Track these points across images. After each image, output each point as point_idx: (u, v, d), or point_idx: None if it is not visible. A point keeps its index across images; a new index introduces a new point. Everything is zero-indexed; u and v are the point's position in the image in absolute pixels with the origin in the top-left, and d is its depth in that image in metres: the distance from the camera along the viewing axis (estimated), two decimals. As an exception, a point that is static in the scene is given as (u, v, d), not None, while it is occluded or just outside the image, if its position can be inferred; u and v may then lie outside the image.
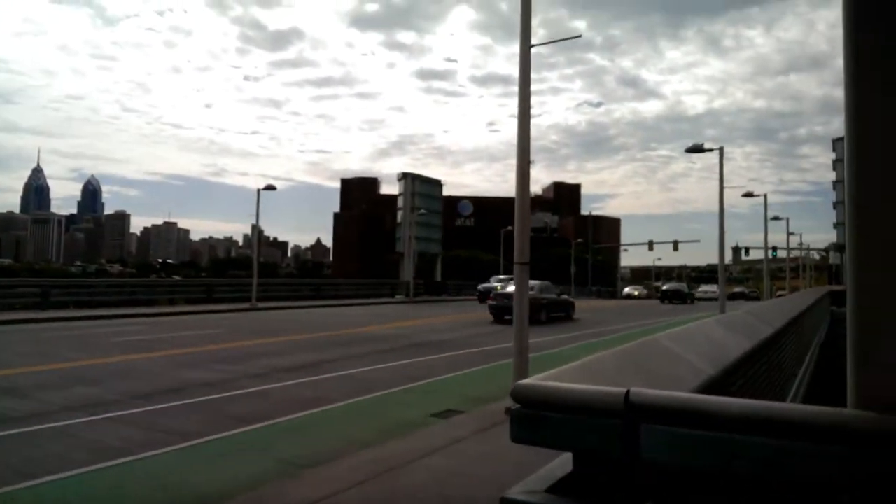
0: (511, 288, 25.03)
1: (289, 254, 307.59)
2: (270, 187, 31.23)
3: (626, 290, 64.21)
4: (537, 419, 1.39)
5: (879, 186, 1.18)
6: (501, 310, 22.01)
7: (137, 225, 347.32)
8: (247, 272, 42.31)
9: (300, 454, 5.95)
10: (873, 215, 1.18)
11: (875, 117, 1.17)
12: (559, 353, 13.62)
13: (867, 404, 1.16)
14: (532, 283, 27.86)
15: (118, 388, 9.15)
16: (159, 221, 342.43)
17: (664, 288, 49.83)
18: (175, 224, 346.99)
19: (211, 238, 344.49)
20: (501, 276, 33.66)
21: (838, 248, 53.60)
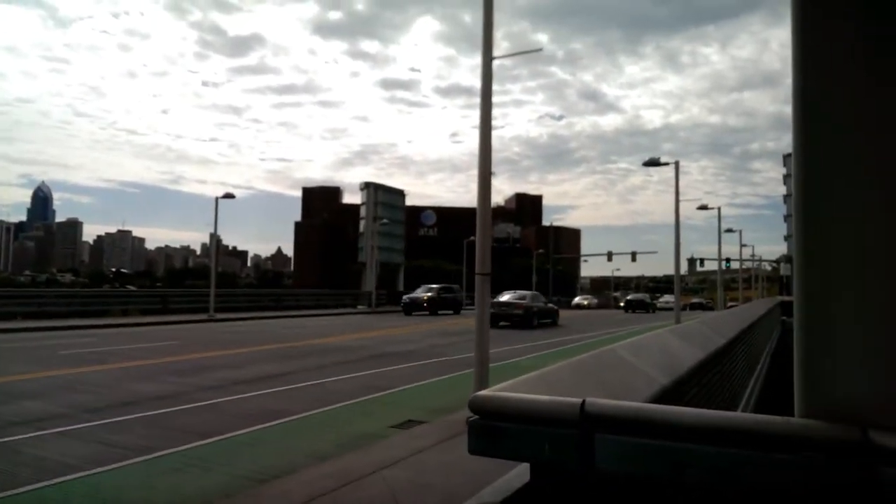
0: (506, 296, 28.79)
1: (248, 263, 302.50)
2: (229, 195, 30.75)
3: (576, 299, 65.81)
4: (494, 430, 1.38)
5: (823, 200, 1.22)
6: (496, 317, 23.02)
7: (90, 233, 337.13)
8: (204, 282, 41.46)
9: (256, 469, 5.82)
10: (818, 228, 1.22)
11: (820, 133, 1.21)
12: (517, 364, 13.69)
13: (813, 413, 1.19)
14: (525, 293, 30.74)
15: (67, 401, 8.82)
16: (113, 230, 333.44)
17: (629, 298, 54.70)
18: (129, 232, 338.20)
19: (167, 247, 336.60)
20: (432, 286, 36.99)
21: (789, 259, 55.43)
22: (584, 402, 1.29)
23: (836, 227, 1.19)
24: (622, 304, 54.53)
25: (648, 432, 1.22)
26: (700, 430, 1.18)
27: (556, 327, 27.28)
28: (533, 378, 1.81)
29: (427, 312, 34.38)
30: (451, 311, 35.97)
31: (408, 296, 36.85)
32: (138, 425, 7.63)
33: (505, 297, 28.19)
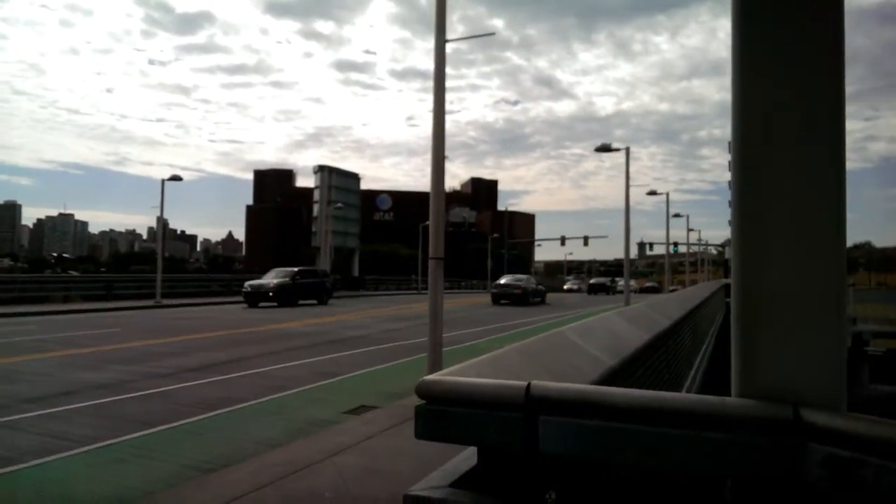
0: (505, 279, 33.41)
1: (198, 248, 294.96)
2: (176, 178, 29.89)
3: (567, 284, 68.05)
4: (442, 415, 1.38)
5: (757, 186, 1.25)
6: (497, 296, 31.94)
7: (30, 216, 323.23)
8: (151, 267, 40.19)
9: (204, 458, 5.71)
10: (753, 213, 1.25)
11: (756, 120, 1.24)
12: (475, 346, 13.80)
13: (749, 393, 1.22)
14: (521, 276, 35.24)
15: (6, 391, 8.45)
16: (54, 213, 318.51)
17: (591, 282, 61.45)
18: (72, 216, 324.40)
19: (112, 231, 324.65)
20: (286, 270, 30.59)
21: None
22: (529, 384, 1.30)
23: (768, 212, 1.23)
24: (579, 288, 62.29)
25: (590, 414, 1.24)
26: (638, 410, 1.20)
27: (545, 305, 32.83)
28: (481, 362, 1.81)
29: (276, 304, 27.20)
30: (314, 301, 29.64)
31: (250, 282, 28.61)
32: (81, 415, 7.38)
33: (504, 279, 34.66)
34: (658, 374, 4.29)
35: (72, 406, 7.76)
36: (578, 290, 64.30)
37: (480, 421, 1.33)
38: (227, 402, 8.00)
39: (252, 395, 8.45)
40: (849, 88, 1.20)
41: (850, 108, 1.21)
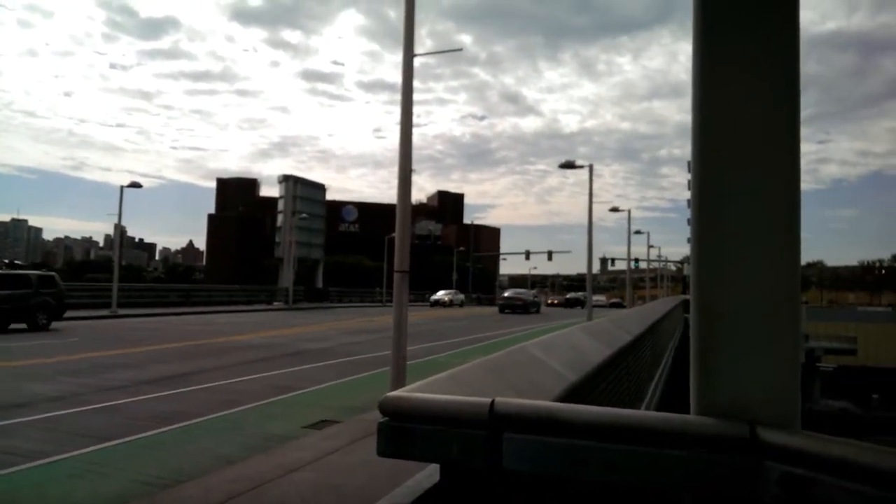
0: (509, 293, 42.81)
1: (157, 256, 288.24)
2: (136, 184, 29.18)
3: (549, 299, 70.52)
4: (404, 431, 1.37)
5: (715, 204, 1.28)
6: (503, 306, 40.39)
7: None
8: (107, 276, 39.05)
9: (157, 473, 5.54)
10: (710, 230, 1.28)
11: (713, 141, 1.27)
12: (437, 360, 13.75)
13: (707, 410, 1.24)
14: (521, 290, 46.39)
15: (-56, 405, 8.09)
16: (6, 218, 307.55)
17: (568, 297, 66.94)
18: (25, 221, 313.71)
19: (67, 238, 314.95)
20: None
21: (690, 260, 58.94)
22: (493, 401, 1.29)
23: (726, 230, 1.25)
24: (555, 301, 68.53)
25: (553, 431, 1.24)
26: (602, 427, 1.21)
27: (539, 315, 39.24)
28: (445, 378, 1.81)
29: None
30: (23, 325, 19.33)
31: None
32: (31, 429, 7.12)
33: (508, 293, 44.29)
34: (619, 388, 4.34)
35: (21, 419, 7.47)
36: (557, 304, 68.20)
37: (444, 438, 1.32)
38: (183, 416, 7.80)
39: (208, 409, 8.25)
40: (803, 112, 1.24)
41: (804, 132, 1.25)
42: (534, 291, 48.88)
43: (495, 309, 50.33)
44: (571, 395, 2.42)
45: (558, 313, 43.47)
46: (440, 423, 1.33)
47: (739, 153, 1.25)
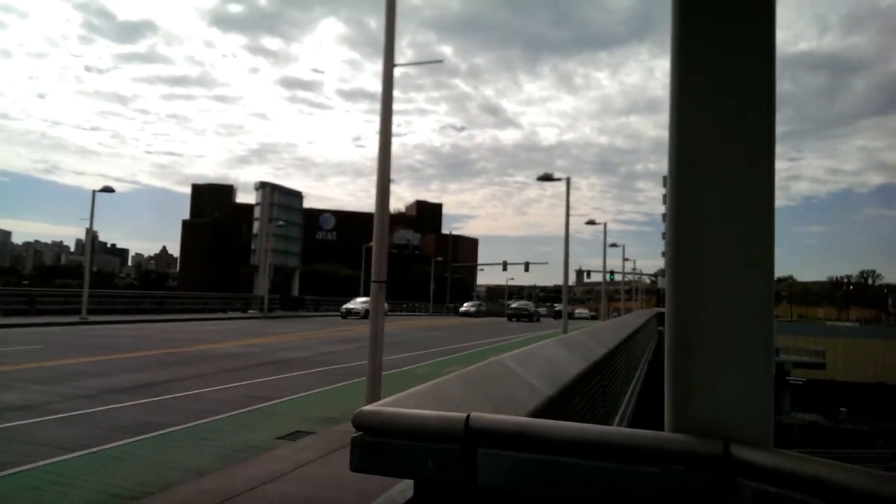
0: (516, 304, 49.97)
1: (129, 263, 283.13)
2: (108, 189, 28.72)
3: (515, 304, 72.12)
4: (378, 447, 1.35)
5: (693, 222, 1.29)
6: (511, 315, 47.20)
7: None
8: (77, 281, 38.30)
9: (125, 486, 5.41)
10: (687, 249, 1.29)
11: (691, 156, 1.29)
12: (413, 371, 13.69)
13: (681, 427, 1.25)
14: (526, 302, 54.70)
15: None
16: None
17: (556, 309, 68.55)
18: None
19: (37, 242, 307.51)
20: None
21: (665, 274, 59.77)
22: (468, 416, 1.29)
23: (701, 246, 1.27)
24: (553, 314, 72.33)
25: (529, 446, 1.24)
26: (576, 444, 1.21)
27: (539, 323, 45.28)
28: (420, 391, 1.80)
29: None
30: None
31: None
32: (-8, 439, 6.90)
33: (516, 304, 54.05)
34: (594, 401, 4.36)
35: (-18, 429, 7.24)
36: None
37: (419, 453, 1.32)
38: (154, 426, 7.64)
39: (181, 418, 8.10)
40: (777, 130, 1.26)
41: (777, 149, 1.28)
42: (530, 303, 55.86)
43: (485, 318, 53.47)
44: (547, 408, 2.43)
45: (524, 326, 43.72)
46: (414, 437, 1.32)
47: (715, 168, 1.27)
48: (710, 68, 1.28)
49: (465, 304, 59.21)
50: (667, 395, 1.31)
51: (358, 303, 39.35)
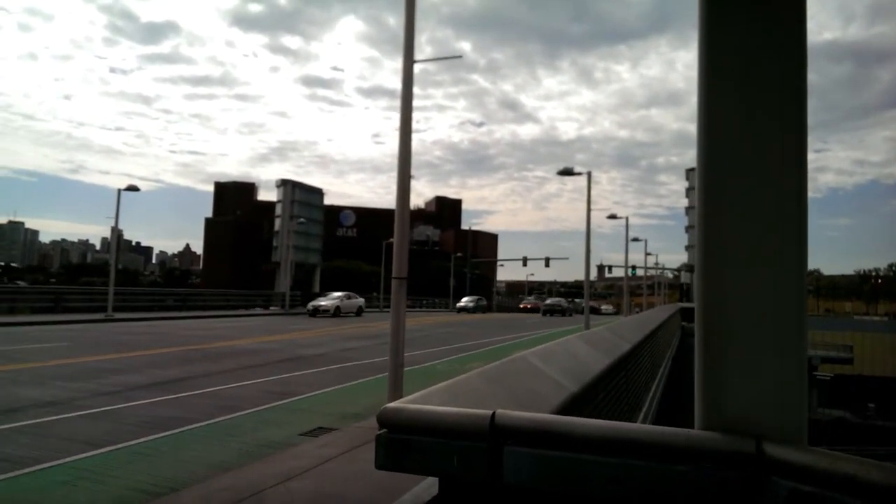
0: (550, 300, 52.10)
1: (153, 260, 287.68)
2: (133, 188, 29.17)
3: (549, 301, 71.89)
4: (403, 444, 1.34)
5: (722, 215, 1.26)
6: (546, 311, 51.25)
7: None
8: (103, 279, 38.99)
9: (151, 481, 5.49)
10: (716, 242, 1.26)
11: (721, 147, 1.25)
12: (433, 367, 13.70)
13: (712, 425, 1.22)
14: (559, 299, 57.86)
15: (-63, 410, 8.03)
16: (3, 221, 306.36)
17: (548, 302, 72.00)
18: (22, 224, 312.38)
19: (64, 241, 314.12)
20: None
21: (689, 268, 58.85)
22: (493, 413, 1.27)
23: (732, 241, 1.24)
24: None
25: (556, 444, 1.22)
26: (604, 441, 1.19)
27: (571, 317, 47.35)
28: (444, 388, 1.78)
29: None
30: None
31: None
32: (25, 435, 7.05)
33: (550, 301, 58.72)
34: (618, 397, 4.32)
35: (13, 425, 7.40)
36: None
37: (444, 451, 1.30)
38: (178, 422, 7.75)
39: (203, 415, 8.20)
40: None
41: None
42: (562, 300, 60.99)
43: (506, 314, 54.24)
44: (571, 405, 2.40)
45: (544, 323, 43.32)
46: (440, 435, 1.31)
47: (745, 162, 1.23)
48: (739, 57, 1.24)
49: (464, 300, 57.57)
50: (697, 392, 1.28)
51: (330, 299, 36.92)
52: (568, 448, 1.20)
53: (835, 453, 1.06)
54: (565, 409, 2.29)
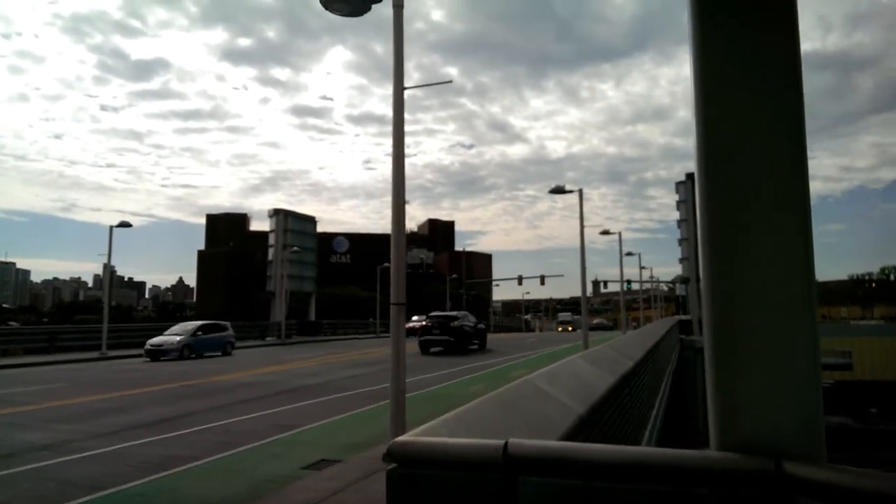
0: (562, 316, 55.31)
1: (147, 295, 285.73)
2: (125, 224, 29.10)
3: (561, 317, 75.17)
4: (415, 478, 1.32)
5: (726, 230, 1.25)
6: (560, 324, 67.48)
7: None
8: (97, 316, 38.60)
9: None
10: (723, 261, 1.25)
11: (721, 157, 1.25)
12: (436, 392, 13.58)
13: (729, 446, 1.21)
14: (571, 314, 66.99)
15: (-68, 458, 7.88)
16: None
17: (594, 322, 74.73)
18: (13, 264, 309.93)
19: (56, 280, 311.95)
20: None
21: (683, 280, 58.89)
22: (506, 443, 1.26)
23: (737, 255, 1.23)
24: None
25: (572, 472, 1.20)
26: (623, 467, 1.17)
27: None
28: (454, 417, 1.76)
29: None
30: None
31: None
32: (22, 479, 6.93)
33: (562, 317, 73.38)
34: (625, 416, 4.29)
35: (10, 470, 7.26)
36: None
37: (457, 484, 1.28)
38: (179, 460, 7.62)
39: (205, 452, 8.08)
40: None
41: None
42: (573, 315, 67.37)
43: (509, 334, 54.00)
44: (580, 427, 2.38)
45: (541, 342, 43.37)
46: (452, 468, 1.29)
47: (748, 174, 1.23)
48: (733, 66, 1.25)
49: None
50: (711, 413, 1.27)
51: (172, 332, 26.72)
52: (584, 476, 1.19)
53: (858, 469, 1.05)
54: (574, 431, 2.27)
